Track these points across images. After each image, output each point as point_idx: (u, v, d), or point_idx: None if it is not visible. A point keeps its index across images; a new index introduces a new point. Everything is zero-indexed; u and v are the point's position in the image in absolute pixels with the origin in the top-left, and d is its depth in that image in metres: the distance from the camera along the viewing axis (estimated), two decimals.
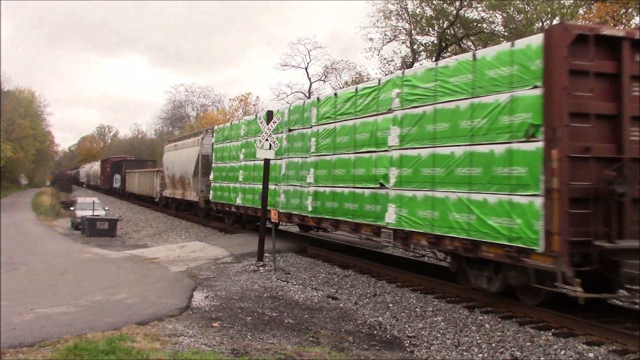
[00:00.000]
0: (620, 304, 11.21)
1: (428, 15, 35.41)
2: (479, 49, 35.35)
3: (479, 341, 9.26)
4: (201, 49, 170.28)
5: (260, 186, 16.82)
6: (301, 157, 16.89)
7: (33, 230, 29.06)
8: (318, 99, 16.45)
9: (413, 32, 36.53)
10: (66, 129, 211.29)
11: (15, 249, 20.14)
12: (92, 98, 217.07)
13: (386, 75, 38.45)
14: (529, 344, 8.87)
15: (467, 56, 10.91)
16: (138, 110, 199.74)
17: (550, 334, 9.14)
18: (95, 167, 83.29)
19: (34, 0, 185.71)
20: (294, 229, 25.53)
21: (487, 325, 9.86)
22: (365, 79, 46.93)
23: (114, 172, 60.81)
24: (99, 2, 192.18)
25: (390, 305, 11.68)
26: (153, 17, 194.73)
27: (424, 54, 37.38)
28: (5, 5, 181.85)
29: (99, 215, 30.09)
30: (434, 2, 34.57)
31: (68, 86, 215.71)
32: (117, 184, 58.48)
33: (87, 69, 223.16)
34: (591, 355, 8.20)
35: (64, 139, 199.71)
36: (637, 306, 11.19)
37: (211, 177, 25.36)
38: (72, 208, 35.08)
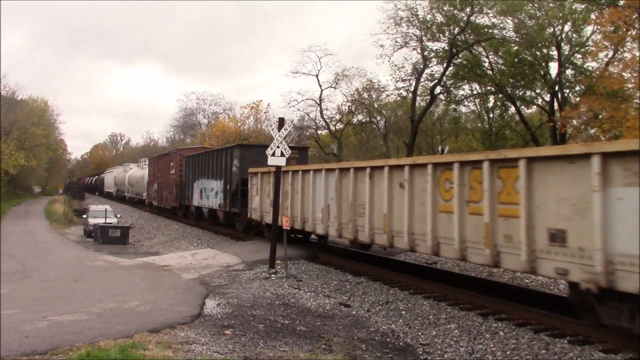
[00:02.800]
0: None
1: (439, 21, 35.37)
2: (490, 54, 35.46)
3: (494, 349, 9.16)
4: (215, 56, 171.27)
5: None
6: None
7: (46, 238, 29.20)
8: None
9: (424, 38, 36.50)
10: (80, 137, 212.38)
11: (28, 257, 20.26)
12: (106, 106, 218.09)
13: (396, 81, 38.53)
14: (544, 351, 8.76)
15: None
16: (151, 119, 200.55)
17: (566, 341, 9.03)
18: (134, 171, 57.67)
19: (51, 7, 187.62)
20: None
21: (502, 333, 9.75)
22: (377, 86, 46.97)
23: (196, 177, 30.88)
24: (115, 11, 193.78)
25: (403, 312, 11.60)
26: (168, 25, 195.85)
27: (434, 60, 37.34)
28: (21, 13, 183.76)
29: (111, 223, 30.21)
30: (445, 8, 34.53)
31: (83, 94, 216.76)
32: (209, 201, 28.32)
33: (102, 77, 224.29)
34: None
35: (78, 147, 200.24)
36: None
37: None
38: (84, 216, 35.24)
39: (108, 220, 30.81)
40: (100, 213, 32.74)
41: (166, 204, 37.54)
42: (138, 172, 54.15)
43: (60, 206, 52.49)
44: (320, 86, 49.79)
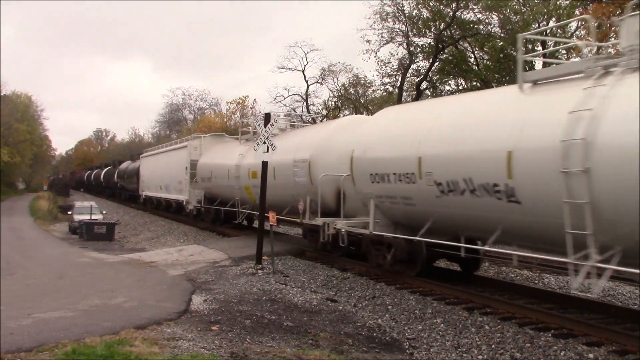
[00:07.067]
0: (620, 304, 11.21)
1: (424, 17, 35.49)
2: (476, 50, 35.60)
3: (479, 343, 9.24)
4: (207, 51, 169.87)
5: None
6: None
7: (30, 235, 28.96)
8: None
9: (410, 33, 36.61)
10: (66, 133, 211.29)
11: (13, 254, 20.07)
12: (92, 101, 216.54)
13: (383, 77, 38.43)
14: (528, 345, 8.85)
15: None
16: (138, 114, 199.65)
17: (550, 334, 9.13)
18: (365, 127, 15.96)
19: (40, 1, 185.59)
20: (292, 231, 25.53)
21: (487, 327, 9.83)
22: (363, 81, 47.00)
23: None
24: (105, 5, 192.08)
25: (389, 307, 11.65)
26: (159, 19, 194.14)
27: (420, 56, 37.47)
28: (10, 8, 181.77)
29: (96, 219, 30.01)
30: (431, 3, 34.65)
31: (69, 90, 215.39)
32: None
33: (90, 72, 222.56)
34: (591, 356, 8.19)
35: (64, 143, 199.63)
36: (636, 306, 11.19)
37: None
38: (69, 212, 34.99)
39: (93, 217, 30.62)
40: (86, 209, 32.52)
41: None
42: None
43: (45, 202, 52.06)
44: (306, 82, 49.84)
